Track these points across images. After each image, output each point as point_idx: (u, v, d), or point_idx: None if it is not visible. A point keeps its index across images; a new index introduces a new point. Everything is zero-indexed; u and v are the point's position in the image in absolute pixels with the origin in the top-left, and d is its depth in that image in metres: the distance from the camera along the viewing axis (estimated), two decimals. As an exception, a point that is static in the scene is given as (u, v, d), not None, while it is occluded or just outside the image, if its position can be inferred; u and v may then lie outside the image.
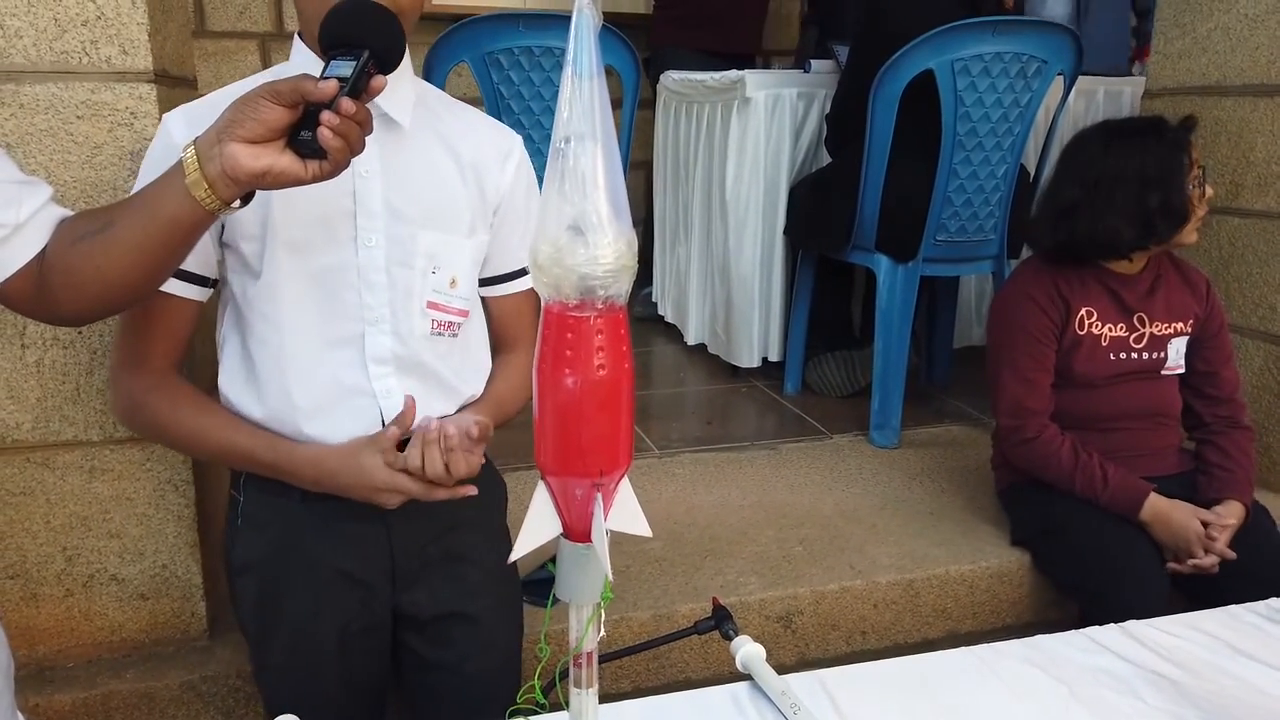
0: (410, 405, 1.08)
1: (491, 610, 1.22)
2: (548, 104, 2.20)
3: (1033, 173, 2.43)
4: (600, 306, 0.66)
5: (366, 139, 1.05)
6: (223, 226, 1.05)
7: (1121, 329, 1.71)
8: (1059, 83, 2.27)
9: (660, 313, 3.34)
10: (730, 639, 1.14)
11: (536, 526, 0.72)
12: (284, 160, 0.85)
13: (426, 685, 1.22)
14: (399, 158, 1.08)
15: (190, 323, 1.09)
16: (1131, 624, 1.18)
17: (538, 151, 2.24)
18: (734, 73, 2.67)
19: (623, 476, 0.72)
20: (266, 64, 3.90)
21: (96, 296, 0.94)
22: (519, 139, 1.20)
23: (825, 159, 2.70)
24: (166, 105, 1.29)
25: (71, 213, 0.97)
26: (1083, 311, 1.70)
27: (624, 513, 0.73)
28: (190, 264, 1.04)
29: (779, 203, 2.68)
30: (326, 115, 0.84)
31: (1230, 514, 1.60)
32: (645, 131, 3.47)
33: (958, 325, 2.91)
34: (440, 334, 1.12)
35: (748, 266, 2.71)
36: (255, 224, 1.04)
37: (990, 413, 2.50)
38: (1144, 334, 1.70)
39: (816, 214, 2.48)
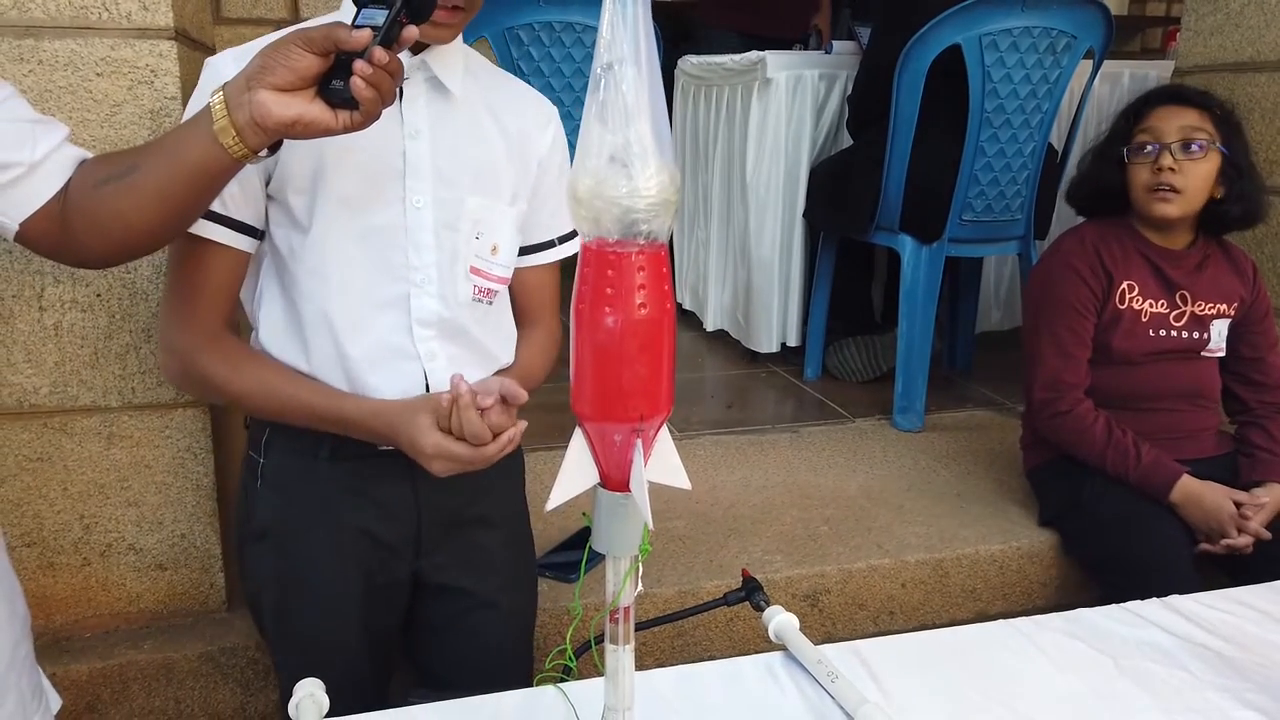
0: (458, 382, 1.04)
1: (508, 579, 1.21)
2: (568, 80, 2.18)
3: (1060, 152, 2.39)
4: (642, 243, 0.63)
5: (416, 102, 1.05)
6: (269, 178, 1.03)
7: (1163, 305, 1.67)
8: (1086, 63, 2.24)
9: (678, 299, 3.31)
10: (762, 610, 1.11)
11: (572, 476, 0.69)
12: (314, 109, 0.84)
13: (440, 652, 1.21)
14: (448, 123, 1.07)
15: (240, 275, 1.07)
16: (1174, 598, 1.16)
17: (558, 129, 2.21)
18: (754, 54, 2.63)
19: (663, 424, 0.68)
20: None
21: (119, 241, 0.92)
22: (555, 108, 1.20)
23: (846, 141, 2.66)
24: (187, 65, 1.27)
25: (88, 153, 0.95)
26: (1124, 285, 1.66)
27: (663, 464, 0.70)
28: (243, 214, 1.03)
29: (799, 186, 2.64)
30: (359, 64, 0.82)
31: (1268, 495, 1.56)
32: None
33: (979, 310, 2.87)
34: (480, 300, 1.12)
35: (768, 250, 2.68)
36: (306, 177, 1.02)
37: (1014, 398, 2.47)
38: (1185, 312, 1.66)
39: (839, 195, 2.45)
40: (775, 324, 2.73)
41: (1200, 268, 1.68)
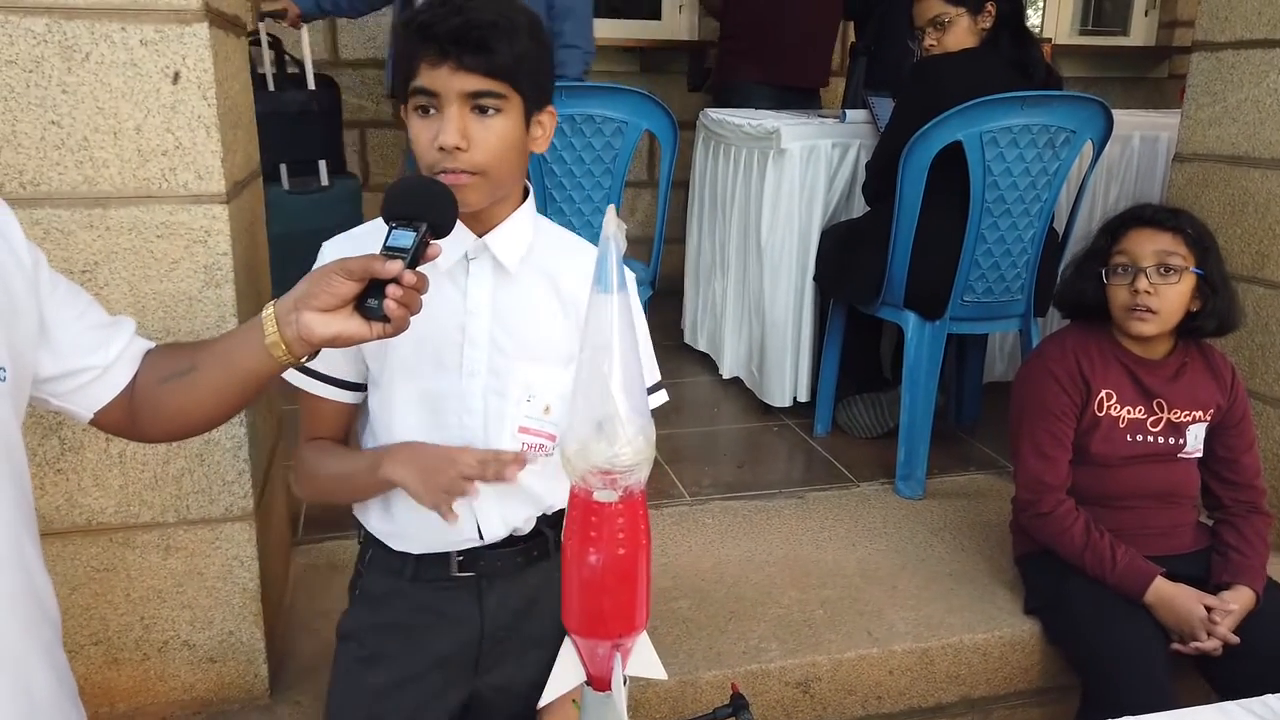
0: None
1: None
2: (588, 166, 2.30)
3: (1061, 231, 2.47)
4: (622, 493, 0.76)
5: (480, 280, 1.19)
6: None
7: (1140, 411, 1.76)
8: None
9: (688, 341, 3.43)
10: (746, 730, 1.24)
11: (564, 674, 0.82)
12: (352, 325, 0.97)
13: None
14: (506, 297, 1.20)
15: (347, 419, 1.27)
16: None
17: (578, 211, 2.34)
18: (770, 122, 2.73)
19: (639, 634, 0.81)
20: (320, 91, 4.04)
21: (179, 428, 1.08)
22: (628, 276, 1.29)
23: (857, 203, 2.76)
24: (237, 222, 1.41)
25: (152, 344, 1.09)
26: (1103, 393, 1.76)
27: (640, 660, 0.83)
28: (340, 372, 1.23)
29: (811, 249, 2.75)
30: (392, 289, 0.95)
31: (1236, 600, 1.65)
32: (685, 154, 3.54)
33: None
34: (531, 455, 1.22)
35: (781, 311, 2.79)
36: (379, 344, 1.14)
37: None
38: (1162, 419, 1.76)
39: (847, 268, 2.55)
40: (788, 380, 2.85)
41: (1177, 376, 1.77)
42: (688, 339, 3.44)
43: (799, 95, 3.58)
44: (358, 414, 1.29)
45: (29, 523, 0.94)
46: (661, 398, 1.32)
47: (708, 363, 3.30)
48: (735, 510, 2.31)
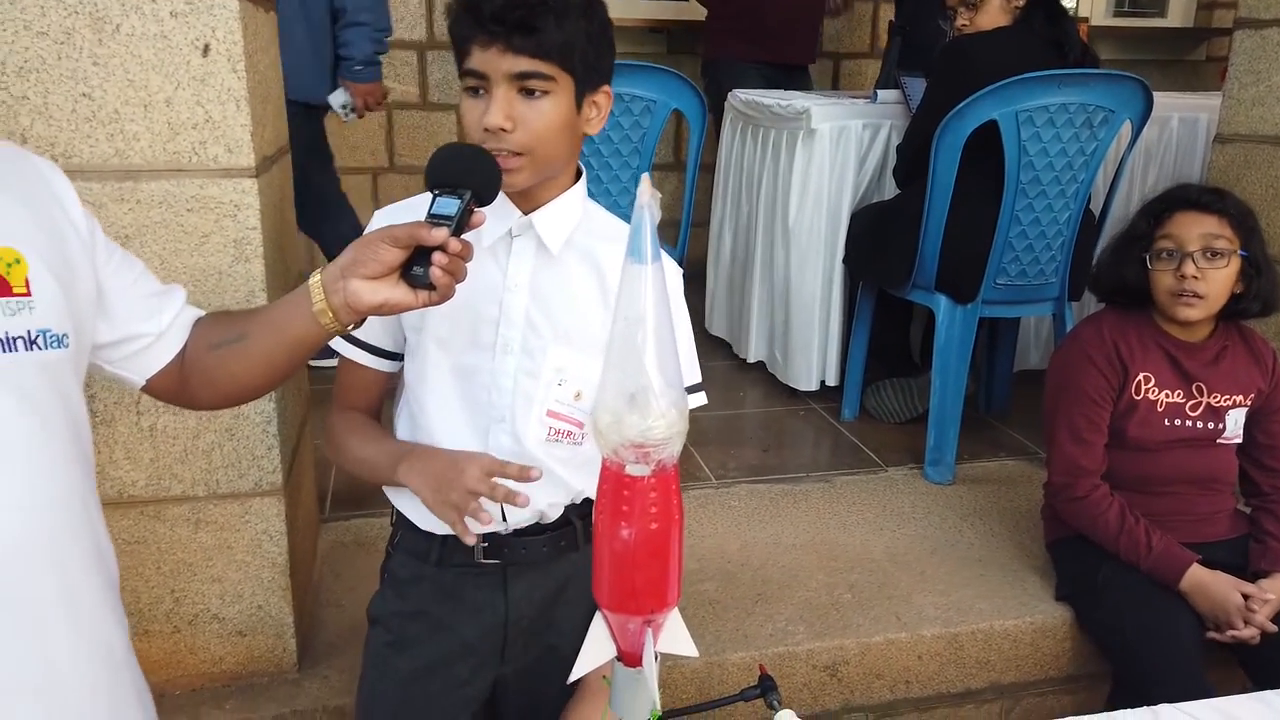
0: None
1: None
2: (616, 146, 2.28)
3: (1098, 213, 2.42)
4: (654, 467, 0.74)
5: (522, 258, 1.17)
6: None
7: (1179, 395, 1.73)
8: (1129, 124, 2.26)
9: (704, 325, 3.39)
10: (775, 710, 1.23)
11: (594, 650, 0.81)
12: (398, 293, 0.97)
13: None
14: (547, 278, 1.18)
15: (382, 388, 1.26)
16: (1162, 708, 1.22)
17: (605, 191, 2.32)
18: (800, 102, 2.70)
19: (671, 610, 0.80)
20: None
21: (230, 394, 1.10)
22: (671, 270, 1.24)
23: (888, 185, 2.72)
24: (267, 197, 1.41)
25: (202, 311, 1.10)
26: (1140, 376, 1.72)
27: (672, 637, 0.82)
28: (377, 340, 1.22)
29: (840, 231, 2.72)
30: (438, 256, 0.95)
31: (1274, 588, 1.62)
32: (711, 136, 3.52)
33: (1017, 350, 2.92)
34: (558, 440, 1.20)
35: (809, 293, 2.76)
36: (417, 315, 1.16)
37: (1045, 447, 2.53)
38: (1201, 403, 1.72)
39: (878, 250, 2.52)
40: (815, 363, 2.82)
41: (1218, 360, 1.73)
42: (704, 322, 3.41)
43: (784, 72, 3.56)
44: (391, 386, 1.28)
45: (93, 487, 0.96)
46: (700, 400, 1.28)
47: (727, 348, 3.28)
48: (761, 493, 2.30)
